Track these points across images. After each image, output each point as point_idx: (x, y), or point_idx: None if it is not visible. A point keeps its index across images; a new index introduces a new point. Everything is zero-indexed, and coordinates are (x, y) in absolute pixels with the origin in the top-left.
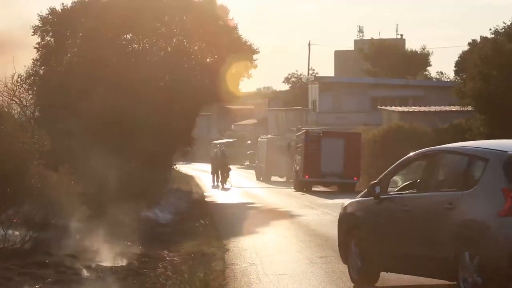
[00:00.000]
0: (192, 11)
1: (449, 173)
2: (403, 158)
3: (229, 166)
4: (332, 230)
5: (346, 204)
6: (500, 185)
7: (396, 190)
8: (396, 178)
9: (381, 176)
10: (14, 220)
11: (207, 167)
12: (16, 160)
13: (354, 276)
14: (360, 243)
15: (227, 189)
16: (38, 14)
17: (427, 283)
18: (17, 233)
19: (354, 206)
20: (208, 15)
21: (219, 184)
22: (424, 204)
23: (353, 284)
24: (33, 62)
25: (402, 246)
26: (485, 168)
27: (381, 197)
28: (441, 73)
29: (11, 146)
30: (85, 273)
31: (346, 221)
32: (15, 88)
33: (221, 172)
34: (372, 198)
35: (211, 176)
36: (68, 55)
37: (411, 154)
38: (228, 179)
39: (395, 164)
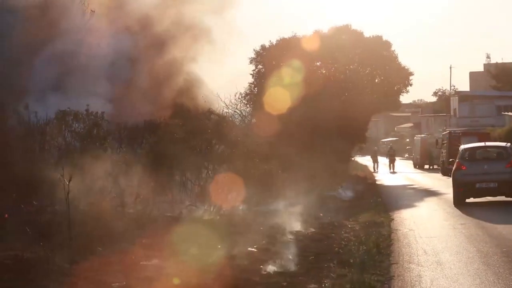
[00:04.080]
0: (364, 45)
1: None
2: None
3: (395, 157)
4: (469, 204)
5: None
6: None
7: None
8: None
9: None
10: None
11: (380, 159)
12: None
13: None
14: None
15: (394, 173)
16: (253, 49)
17: None
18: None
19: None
20: (376, 47)
21: (377, 170)
22: None
23: (486, 247)
24: (249, 85)
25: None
26: None
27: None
28: None
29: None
30: (288, 237)
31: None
32: (237, 103)
33: (389, 161)
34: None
35: (373, 164)
36: (274, 79)
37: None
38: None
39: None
